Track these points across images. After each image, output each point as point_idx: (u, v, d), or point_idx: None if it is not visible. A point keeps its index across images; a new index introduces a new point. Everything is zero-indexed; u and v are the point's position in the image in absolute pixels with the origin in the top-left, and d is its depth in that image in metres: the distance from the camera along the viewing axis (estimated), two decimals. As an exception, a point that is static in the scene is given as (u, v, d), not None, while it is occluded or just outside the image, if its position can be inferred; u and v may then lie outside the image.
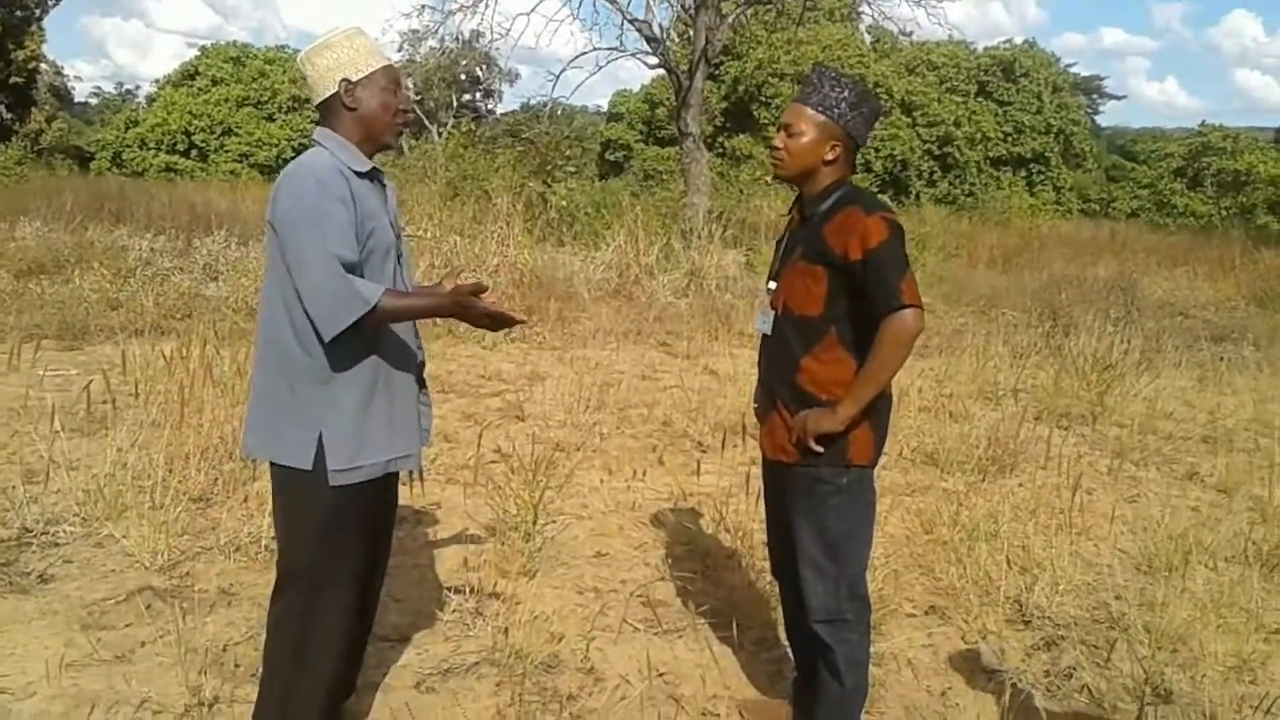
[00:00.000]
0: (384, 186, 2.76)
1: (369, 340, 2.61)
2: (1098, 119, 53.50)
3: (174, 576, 4.08)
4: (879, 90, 37.74)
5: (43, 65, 40.02)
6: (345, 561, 2.69)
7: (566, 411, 6.86)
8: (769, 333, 2.99)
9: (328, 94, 2.64)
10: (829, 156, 2.87)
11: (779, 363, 2.94)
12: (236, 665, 3.41)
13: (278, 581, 2.74)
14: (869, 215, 2.72)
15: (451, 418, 6.67)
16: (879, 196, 3.07)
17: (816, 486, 2.88)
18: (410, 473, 2.89)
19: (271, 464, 2.66)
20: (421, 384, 2.87)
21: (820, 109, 2.86)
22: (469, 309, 2.66)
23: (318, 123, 2.74)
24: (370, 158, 2.70)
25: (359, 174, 2.62)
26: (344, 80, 2.62)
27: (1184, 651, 3.88)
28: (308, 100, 45.18)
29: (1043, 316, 11.83)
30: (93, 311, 9.07)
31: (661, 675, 3.56)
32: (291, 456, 2.59)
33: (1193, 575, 4.44)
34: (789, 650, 3.44)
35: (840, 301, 2.79)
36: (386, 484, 2.81)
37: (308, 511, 2.63)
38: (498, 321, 2.70)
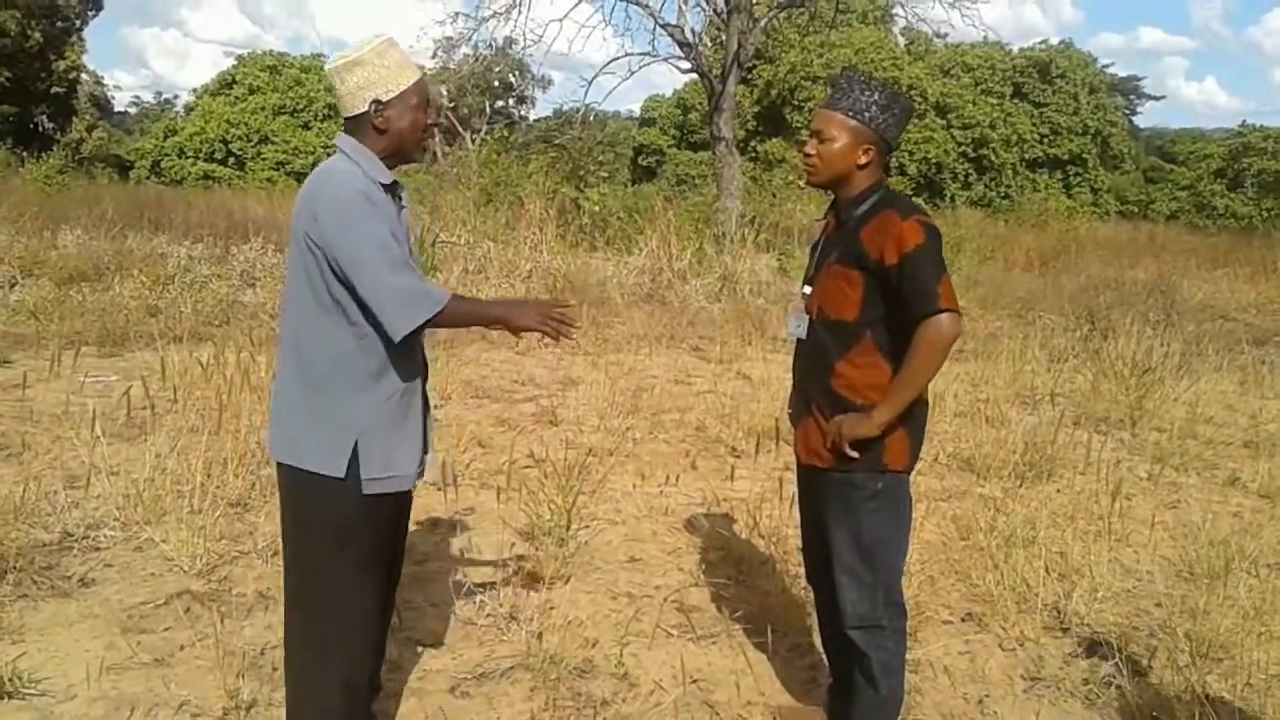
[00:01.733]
0: (400, 199, 2.73)
1: (404, 351, 2.61)
2: (1136, 120, 52.91)
3: (212, 581, 4.12)
4: (913, 93, 37.58)
5: (83, 75, 40.56)
6: (364, 569, 2.68)
7: (600, 416, 6.87)
8: (803, 337, 2.98)
9: (357, 112, 2.61)
10: (862, 161, 2.85)
11: (814, 367, 2.93)
12: (274, 669, 3.43)
13: (293, 586, 2.73)
14: (905, 219, 2.70)
15: (485, 423, 6.70)
16: (915, 201, 3.05)
17: (851, 492, 2.87)
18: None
19: (293, 469, 2.62)
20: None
21: (851, 113, 2.84)
22: (526, 307, 2.67)
23: (344, 129, 2.71)
24: (391, 169, 2.69)
25: (383, 186, 2.62)
26: (374, 101, 2.59)
27: (1226, 661, 3.82)
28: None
29: (1080, 320, 11.70)
30: (132, 318, 9.19)
31: (696, 681, 3.55)
32: (324, 463, 2.57)
33: (1235, 583, 4.37)
34: (824, 656, 3.42)
35: (876, 306, 2.77)
36: (408, 493, 2.83)
37: (330, 518, 2.61)
38: (553, 319, 2.62)
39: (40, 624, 3.68)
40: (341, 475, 2.56)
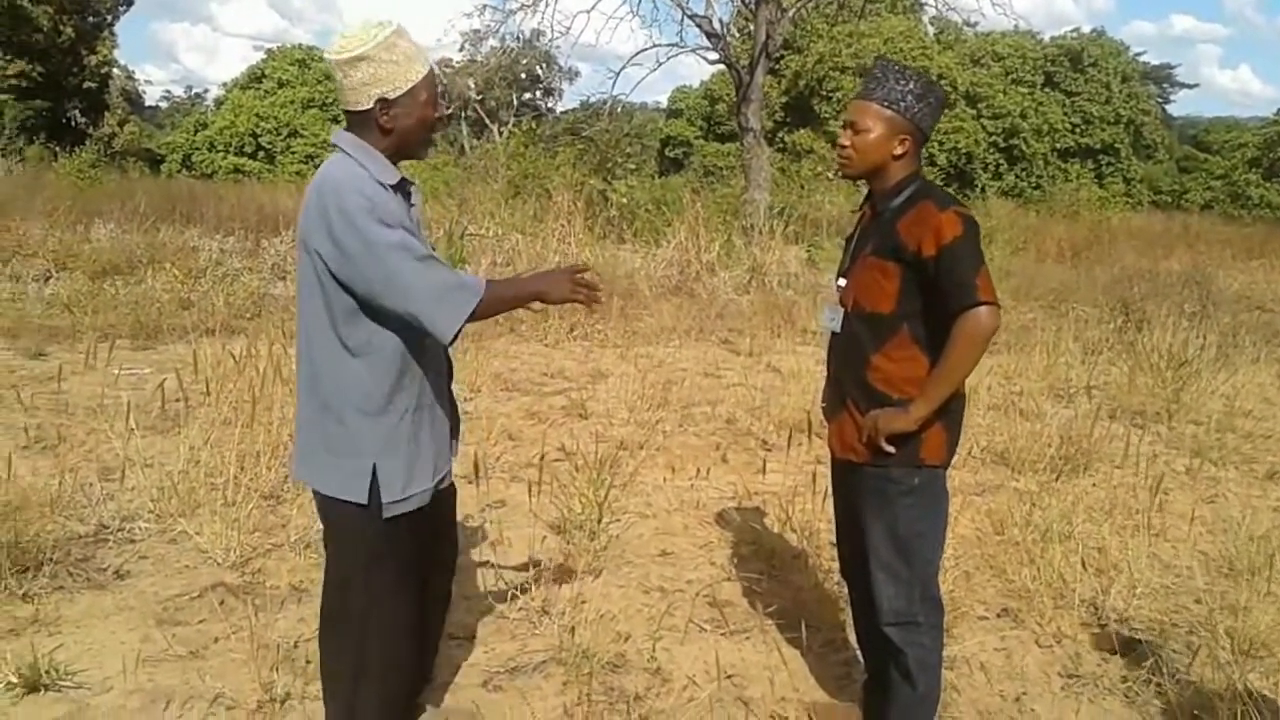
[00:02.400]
0: (410, 198, 2.61)
1: (416, 362, 2.54)
2: (1169, 109, 52.30)
3: (246, 573, 4.14)
4: (943, 82, 37.31)
5: (115, 70, 40.99)
6: (398, 585, 2.65)
7: (629, 409, 6.85)
8: (838, 330, 2.94)
9: (360, 108, 2.46)
10: (898, 151, 2.81)
11: (849, 361, 2.89)
12: (308, 661, 3.43)
13: (329, 600, 2.71)
14: (943, 210, 2.66)
15: (515, 415, 6.70)
16: (950, 193, 3.01)
17: (887, 487, 2.83)
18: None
19: (320, 493, 2.60)
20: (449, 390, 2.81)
21: (886, 103, 2.80)
22: (556, 278, 2.58)
23: (347, 123, 2.55)
24: (395, 165, 2.57)
25: (390, 186, 2.49)
26: (380, 100, 2.43)
27: (1269, 658, 3.76)
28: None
29: (1114, 311, 11.58)
30: (165, 311, 9.26)
31: (729, 677, 3.53)
32: (345, 490, 2.52)
33: (1277, 578, 4.30)
34: (858, 652, 3.39)
35: (913, 298, 2.73)
36: (435, 500, 2.75)
37: (358, 540, 2.58)
38: (583, 287, 2.58)
39: (76, 616, 3.71)
40: (364, 502, 2.52)
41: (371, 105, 2.45)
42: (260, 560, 4.25)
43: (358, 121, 2.50)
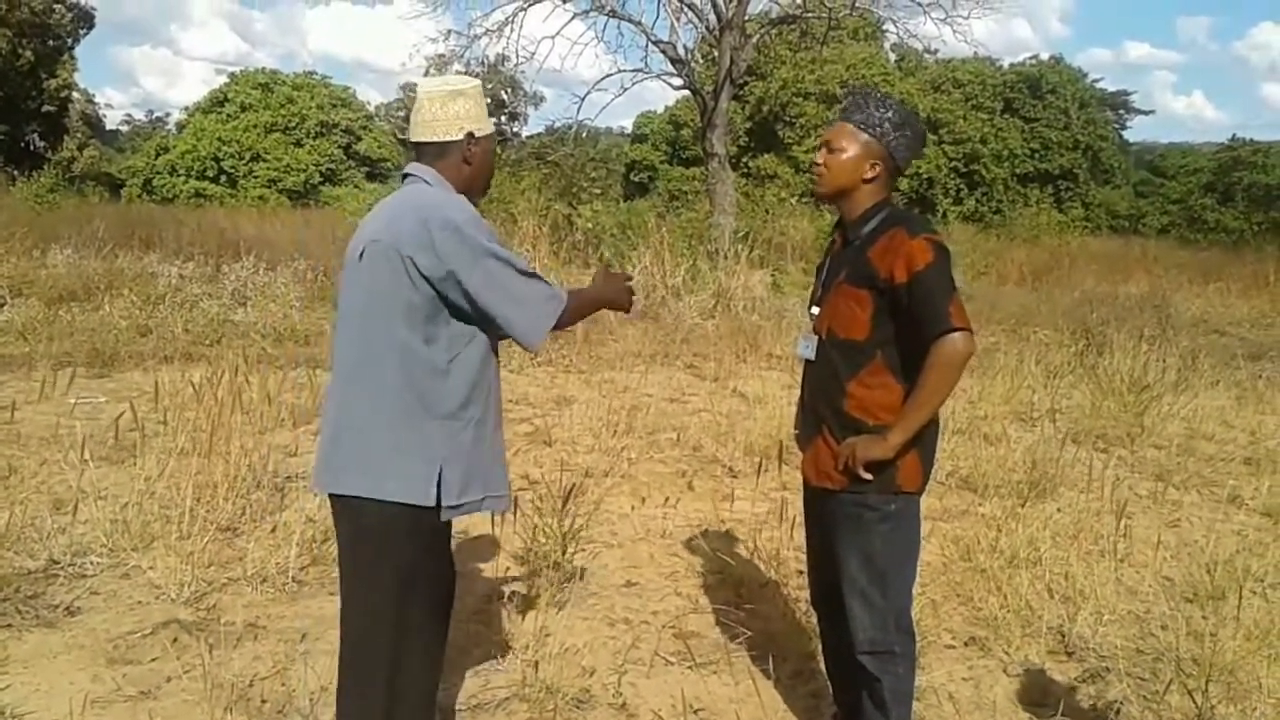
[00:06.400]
0: None
1: (484, 373, 2.63)
2: (1125, 134, 52.96)
3: (201, 609, 4.03)
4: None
5: (74, 94, 40.51)
6: (437, 600, 2.72)
7: (595, 436, 6.79)
8: (812, 358, 2.93)
9: (448, 139, 2.66)
10: (868, 175, 2.83)
11: (824, 388, 2.88)
12: (263, 701, 3.35)
13: (353, 622, 2.65)
14: (914, 237, 2.68)
15: (479, 443, 6.60)
16: (924, 218, 3.02)
17: (863, 514, 2.82)
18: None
19: (365, 504, 2.55)
20: None
21: (863, 127, 2.83)
22: (616, 286, 2.95)
23: (416, 158, 2.72)
24: None
25: None
26: (469, 134, 2.66)
27: (1235, 684, 3.75)
28: (335, 125, 45.68)
29: (1075, 335, 11.67)
30: (123, 338, 9.10)
31: (696, 711, 3.47)
32: (410, 493, 2.53)
33: (1241, 604, 4.30)
34: (828, 683, 3.35)
35: (886, 325, 2.74)
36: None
37: (403, 550, 2.58)
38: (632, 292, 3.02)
39: (24, 655, 3.59)
40: (432, 503, 2.54)
41: (461, 137, 2.67)
42: (215, 595, 4.15)
43: (435, 154, 2.68)
